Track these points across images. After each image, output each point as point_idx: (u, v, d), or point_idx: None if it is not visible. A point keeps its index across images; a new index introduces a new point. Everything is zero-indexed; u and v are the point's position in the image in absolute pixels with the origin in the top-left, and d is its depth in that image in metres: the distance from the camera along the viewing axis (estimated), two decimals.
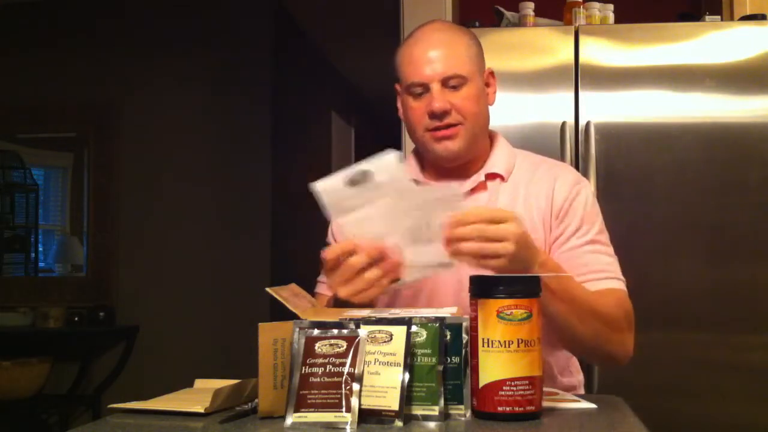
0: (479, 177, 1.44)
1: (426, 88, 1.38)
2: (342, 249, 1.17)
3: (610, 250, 1.42)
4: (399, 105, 1.47)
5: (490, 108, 1.46)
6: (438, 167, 1.47)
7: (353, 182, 1.14)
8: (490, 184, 1.45)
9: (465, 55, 1.40)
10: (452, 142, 1.39)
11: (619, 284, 1.38)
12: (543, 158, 1.53)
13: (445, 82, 1.38)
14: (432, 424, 0.96)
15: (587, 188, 1.46)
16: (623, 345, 1.35)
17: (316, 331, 1.01)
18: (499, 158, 1.47)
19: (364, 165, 1.14)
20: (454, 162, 1.44)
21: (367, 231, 1.17)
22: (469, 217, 1.10)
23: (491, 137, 1.52)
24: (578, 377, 1.51)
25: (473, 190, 1.44)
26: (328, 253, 1.18)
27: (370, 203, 1.16)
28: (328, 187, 1.16)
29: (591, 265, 1.37)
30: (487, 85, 1.46)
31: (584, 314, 1.26)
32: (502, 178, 1.45)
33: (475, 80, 1.40)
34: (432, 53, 1.38)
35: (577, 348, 1.41)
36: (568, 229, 1.40)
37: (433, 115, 1.38)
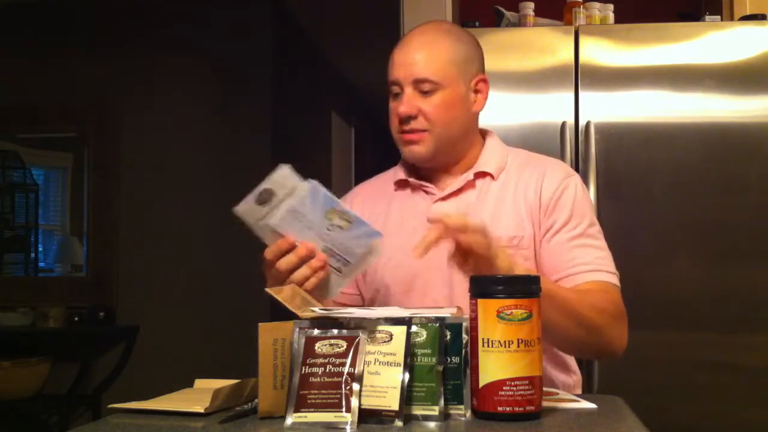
0: (468, 176, 1.45)
1: (401, 89, 1.40)
2: (279, 248, 1.22)
3: (601, 243, 1.41)
4: None
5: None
6: (424, 168, 1.48)
7: (261, 202, 1.22)
8: (479, 182, 1.45)
9: (442, 60, 1.39)
10: (417, 146, 1.41)
11: (608, 277, 1.37)
12: (534, 155, 1.53)
13: (416, 86, 1.38)
14: (432, 424, 0.96)
15: (577, 182, 1.45)
16: (612, 339, 1.34)
17: (316, 331, 1.01)
18: (490, 157, 1.48)
19: (264, 184, 1.22)
20: (423, 164, 1.46)
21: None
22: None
23: (483, 136, 1.52)
24: (575, 377, 1.50)
25: (462, 189, 1.45)
26: (268, 253, 1.24)
27: (281, 219, 1.22)
28: (246, 209, 1.23)
29: (578, 259, 1.36)
30: (477, 91, 1.45)
31: (565, 311, 1.23)
32: (492, 176, 1.45)
33: (453, 87, 1.40)
34: (409, 56, 1.39)
35: (564, 345, 1.39)
36: (556, 223, 1.39)
37: (400, 119, 1.40)
